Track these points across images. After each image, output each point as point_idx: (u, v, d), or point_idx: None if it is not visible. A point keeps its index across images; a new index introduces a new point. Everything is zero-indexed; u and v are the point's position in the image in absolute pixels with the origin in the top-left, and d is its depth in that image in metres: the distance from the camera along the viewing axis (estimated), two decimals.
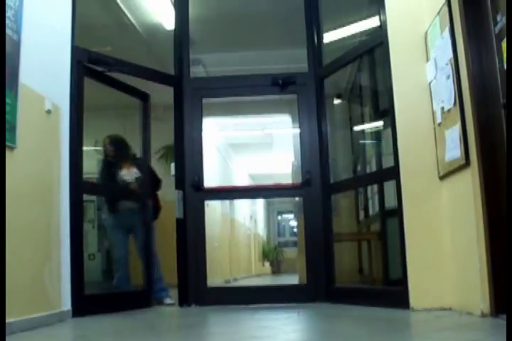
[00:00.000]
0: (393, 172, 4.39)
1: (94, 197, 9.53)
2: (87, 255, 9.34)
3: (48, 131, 4.19)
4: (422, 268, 4.13)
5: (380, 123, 6.55)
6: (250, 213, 19.79)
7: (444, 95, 3.96)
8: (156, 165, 9.98)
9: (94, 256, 9.41)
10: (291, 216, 24.50)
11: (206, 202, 10.25)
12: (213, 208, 11.40)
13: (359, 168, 8.02)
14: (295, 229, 22.50)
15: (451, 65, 3.80)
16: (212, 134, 11.91)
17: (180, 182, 5.38)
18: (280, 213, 28.20)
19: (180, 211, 5.30)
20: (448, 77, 3.88)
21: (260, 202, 23.35)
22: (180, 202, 5.30)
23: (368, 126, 7.35)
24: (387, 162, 5.18)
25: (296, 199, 9.65)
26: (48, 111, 4.14)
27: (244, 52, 7.47)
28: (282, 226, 28.32)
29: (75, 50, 4.63)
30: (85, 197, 9.48)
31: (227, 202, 13.74)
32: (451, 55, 3.81)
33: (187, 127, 5.47)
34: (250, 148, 14.52)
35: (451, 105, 3.83)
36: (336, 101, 7.96)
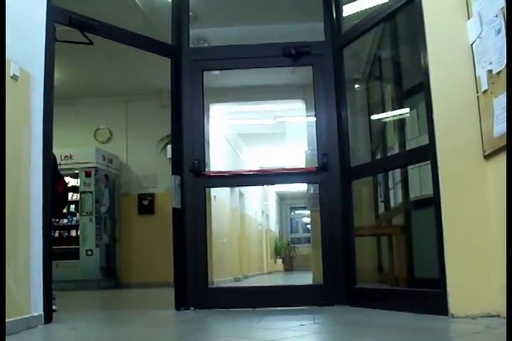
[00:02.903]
0: (428, 152, 3.66)
1: (92, 188, 8.96)
2: (84, 251, 8.76)
3: (14, 101, 3.49)
4: (464, 267, 3.40)
5: (407, 103, 5.81)
6: (262, 208, 19.15)
7: (493, 55, 3.23)
8: (160, 156, 9.47)
9: (92, 252, 8.76)
10: (304, 212, 23.79)
11: (213, 195, 9.83)
12: (222, 202, 10.79)
13: (379, 156, 7.29)
14: (308, 226, 21.87)
15: (503, 16, 3.07)
16: (221, 123, 11.25)
17: (177, 167, 4.68)
18: (293, 209, 27.57)
19: (178, 199, 4.60)
20: (498, 32, 3.15)
21: (272, 197, 22.76)
22: (177, 189, 4.61)
23: (392, 113, 6.56)
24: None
25: (311, 191, 9.03)
26: (14, 77, 3.45)
27: (253, 26, 6.74)
28: (295, 223, 27.71)
29: (51, 9, 3.93)
30: (83, 187, 9.03)
31: (236, 195, 13.13)
32: (502, 3, 3.08)
33: (186, 104, 4.78)
34: (262, 139, 13.80)
35: (502, 65, 3.10)
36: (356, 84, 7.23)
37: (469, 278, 3.38)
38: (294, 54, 4.74)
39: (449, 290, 3.40)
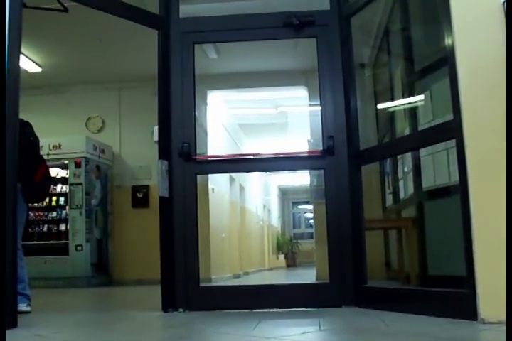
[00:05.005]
0: (453, 129, 3.14)
1: (82, 179, 8.45)
2: (73, 246, 8.28)
3: None
4: (497, 263, 2.88)
5: (420, 83, 5.30)
6: (263, 203, 18.65)
7: None
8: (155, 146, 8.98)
9: (82, 248, 8.25)
10: (307, 207, 23.29)
11: (212, 187, 9.31)
12: (221, 195, 10.30)
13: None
14: (311, 221, 21.40)
15: None
16: (220, 112, 10.75)
17: (164, 151, 4.16)
18: (295, 204, 27.08)
19: (165, 187, 4.09)
20: None
21: (274, 192, 22.29)
22: (164, 176, 4.09)
23: (404, 95, 6.02)
24: None
25: (314, 183, 8.56)
26: None
27: (252, 1, 6.22)
28: (297, 218, 27.21)
29: None
30: (72, 179, 8.52)
31: (236, 188, 12.64)
32: None
33: (175, 80, 4.26)
34: (263, 129, 13.27)
35: None
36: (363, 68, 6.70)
37: (503, 276, 2.86)
38: (296, 24, 4.21)
39: (478, 290, 2.90)
